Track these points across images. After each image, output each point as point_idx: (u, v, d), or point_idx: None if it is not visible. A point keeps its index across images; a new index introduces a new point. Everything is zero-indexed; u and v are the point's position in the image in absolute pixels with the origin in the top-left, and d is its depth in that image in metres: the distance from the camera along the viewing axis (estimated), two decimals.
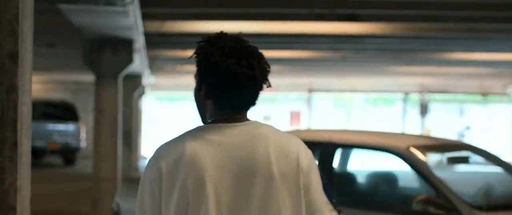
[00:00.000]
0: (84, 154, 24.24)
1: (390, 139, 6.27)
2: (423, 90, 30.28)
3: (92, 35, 10.40)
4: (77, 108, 24.27)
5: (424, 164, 5.90)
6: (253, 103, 2.83)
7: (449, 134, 28.24)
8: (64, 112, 23.90)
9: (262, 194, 2.69)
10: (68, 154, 23.60)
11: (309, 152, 2.83)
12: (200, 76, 2.78)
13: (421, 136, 7.46)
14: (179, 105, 32.21)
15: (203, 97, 2.79)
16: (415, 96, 31.76)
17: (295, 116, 31.30)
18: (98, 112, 11.15)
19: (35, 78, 25.59)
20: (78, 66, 18.92)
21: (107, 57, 11.04)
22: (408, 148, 5.99)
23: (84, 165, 22.42)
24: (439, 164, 6.65)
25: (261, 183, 2.70)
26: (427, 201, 5.49)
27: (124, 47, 11.00)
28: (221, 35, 2.79)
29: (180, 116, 31.24)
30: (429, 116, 31.16)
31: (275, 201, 2.70)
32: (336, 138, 6.19)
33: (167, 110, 32.05)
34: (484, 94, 30.68)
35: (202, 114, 2.88)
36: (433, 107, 31.67)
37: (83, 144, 23.73)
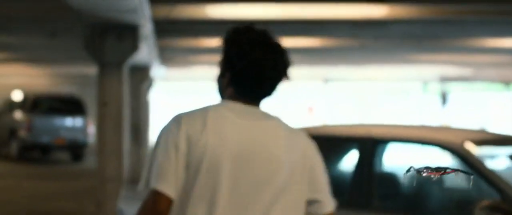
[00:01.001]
0: (92, 150, 23.63)
1: (440, 133, 5.33)
2: (444, 79, 29.32)
3: (93, 20, 9.46)
4: (85, 102, 23.54)
5: (483, 162, 4.93)
6: (270, 95, 2.96)
7: (470, 124, 27.30)
8: (72, 106, 23.25)
9: (271, 184, 2.80)
10: (76, 149, 23.02)
11: (315, 147, 2.98)
12: (226, 64, 2.93)
13: (474, 130, 6.52)
14: (191, 98, 31.38)
15: (226, 84, 2.94)
16: (434, 86, 30.82)
17: (310, 107, 30.46)
18: (102, 104, 10.18)
19: (41, 71, 24.80)
20: (84, 59, 18.17)
21: (110, 44, 10.05)
22: (463, 143, 5.04)
23: (92, 161, 21.63)
24: (500, 161, 5.69)
25: (271, 171, 2.81)
26: (494, 208, 4.51)
27: (128, 33, 10.03)
28: (250, 27, 2.94)
29: (190, 108, 30.40)
30: (449, 106, 30.20)
31: (282, 192, 2.81)
32: (376, 133, 5.24)
33: (178, 103, 31.21)
34: (507, 82, 29.70)
35: (221, 98, 3.00)
36: (454, 97, 30.73)
37: (91, 139, 23.10)
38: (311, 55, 20.23)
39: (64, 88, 26.24)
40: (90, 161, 22.09)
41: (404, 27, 13.64)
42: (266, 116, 2.94)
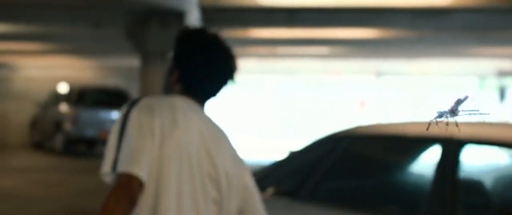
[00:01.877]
0: None
1: None
2: (502, 74, 28.22)
3: (136, 6, 8.75)
4: (131, 94, 23.01)
5: None
6: (215, 96, 3.02)
7: None
8: (117, 98, 22.71)
9: (220, 184, 2.85)
10: None
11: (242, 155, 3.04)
12: (176, 62, 2.99)
13: None
14: (238, 91, 30.69)
15: (174, 81, 2.99)
16: (492, 81, 29.71)
17: (362, 101, 29.58)
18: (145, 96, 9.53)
19: (86, 63, 24.33)
20: (129, 50, 17.60)
21: (154, 32, 9.32)
22: None
23: None
24: None
25: (223, 171, 2.88)
26: None
27: (174, 20, 9.30)
28: (202, 29, 3.03)
29: (239, 102, 29.73)
30: (507, 102, 29.09)
31: (226, 197, 2.87)
32: (461, 133, 4.42)
33: (225, 97, 30.52)
34: None
35: (167, 94, 2.99)
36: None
37: None
38: (364, 48, 19.41)
39: (109, 81, 25.75)
40: None
41: (468, 16, 12.77)
42: (209, 117, 3.00)
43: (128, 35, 9.52)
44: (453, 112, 2.62)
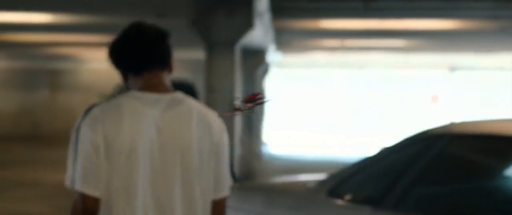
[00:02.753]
0: None
1: None
2: None
3: None
4: (198, 88, 22.57)
5: None
6: (153, 62, 3.02)
7: None
8: (184, 91, 22.17)
9: (182, 168, 2.94)
10: None
11: (224, 130, 3.04)
12: (113, 64, 3.11)
13: None
14: (309, 86, 30.02)
15: (124, 82, 3.09)
16: None
17: (434, 95, 28.63)
18: (210, 90, 8.88)
19: None
20: (194, 42, 17.11)
21: (220, 20, 8.71)
22: None
23: None
24: None
25: (182, 156, 2.94)
26: None
27: (241, 8, 8.66)
28: (127, 27, 3.04)
29: (308, 97, 29.07)
30: None
31: (193, 176, 2.95)
32: None
33: (295, 91, 29.89)
34: None
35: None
36: None
37: None
38: (438, 40, 18.58)
39: (175, 74, 25.36)
40: None
41: None
42: (177, 102, 3.00)
43: (194, 23, 8.94)
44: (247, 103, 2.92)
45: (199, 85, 23.68)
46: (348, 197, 4.70)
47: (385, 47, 20.70)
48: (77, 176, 2.92)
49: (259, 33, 10.81)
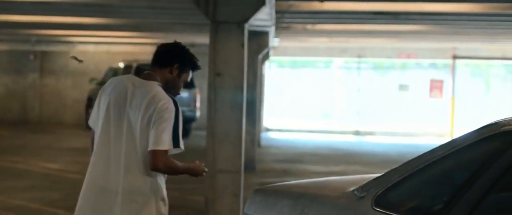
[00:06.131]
0: (198, 125, 22.00)
1: None
2: None
3: None
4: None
5: None
6: (156, 64, 4.67)
7: None
8: None
9: (128, 120, 4.45)
10: (183, 124, 21.12)
11: (167, 102, 4.43)
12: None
13: None
14: (303, 72, 29.13)
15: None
16: None
17: (436, 85, 27.75)
18: (215, 75, 7.95)
19: (145, 39, 23.04)
20: (191, 24, 16.18)
21: None
22: None
23: (199, 138, 19.83)
24: None
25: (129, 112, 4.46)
26: None
27: None
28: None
29: (303, 85, 28.22)
30: None
31: (135, 128, 4.43)
32: None
33: (288, 77, 28.99)
34: None
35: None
36: None
37: (198, 113, 21.68)
38: (445, 25, 17.67)
39: None
40: (196, 138, 20.30)
41: None
42: (149, 85, 4.49)
43: (198, 2, 8.00)
44: None
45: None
46: (402, 208, 3.81)
47: (386, 31, 19.73)
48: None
49: (266, 11, 9.89)
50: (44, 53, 26.57)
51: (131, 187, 4.38)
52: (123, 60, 23.17)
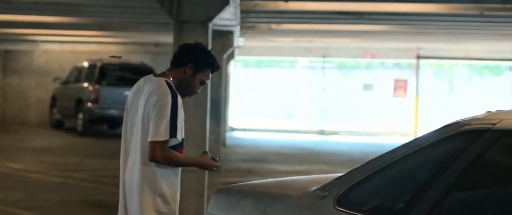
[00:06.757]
0: None
1: None
2: None
3: None
4: (157, 72, 21.56)
5: None
6: (173, 64, 4.81)
7: None
8: (142, 76, 21.19)
9: (137, 114, 4.65)
10: None
11: (164, 94, 4.54)
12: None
13: None
14: (268, 72, 29.17)
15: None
16: None
17: (400, 84, 27.94)
18: None
19: (110, 38, 22.90)
20: (157, 24, 16.12)
21: None
22: None
23: None
24: None
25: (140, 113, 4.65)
26: None
27: None
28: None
29: (268, 84, 28.27)
30: None
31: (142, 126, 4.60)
32: None
33: (253, 77, 29.01)
34: None
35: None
36: None
37: None
38: (410, 25, 17.81)
39: (135, 57, 24.28)
40: None
41: None
42: (154, 80, 4.64)
43: (162, 2, 7.97)
44: None
45: (159, 67, 22.70)
46: (364, 207, 3.83)
47: (351, 31, 19.83)
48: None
49: (231, 10, 9.89)
50: (7, 52, 26.31)
51: (132, 179, 4.54)
52: (87, 60, 23.02)
